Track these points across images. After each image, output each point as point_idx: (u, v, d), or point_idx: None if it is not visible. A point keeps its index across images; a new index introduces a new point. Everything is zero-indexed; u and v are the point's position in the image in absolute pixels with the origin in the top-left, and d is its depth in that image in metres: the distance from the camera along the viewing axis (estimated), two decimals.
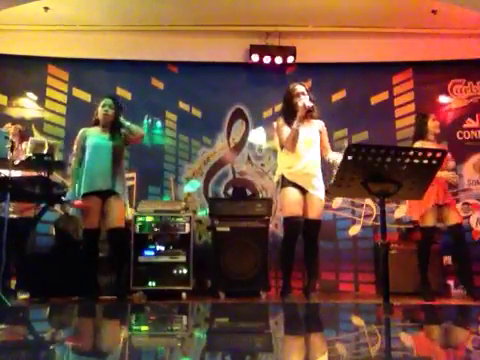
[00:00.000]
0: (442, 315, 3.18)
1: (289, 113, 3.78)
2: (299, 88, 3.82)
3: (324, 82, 5.49)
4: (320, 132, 3.86)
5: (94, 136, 3.92)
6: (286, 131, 3.73)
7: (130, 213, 4.31)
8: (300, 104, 3.69)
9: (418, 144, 4.13)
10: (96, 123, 4.00)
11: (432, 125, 4.25)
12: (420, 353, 1.83)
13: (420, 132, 4.29)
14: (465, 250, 4.16)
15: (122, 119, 3.96)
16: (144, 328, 2.54)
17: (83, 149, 3.89)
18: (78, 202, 3.75)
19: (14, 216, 3.97)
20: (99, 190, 3.79)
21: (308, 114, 3.76)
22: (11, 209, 3.92)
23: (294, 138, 3.67)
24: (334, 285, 5.19)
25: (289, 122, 3.74)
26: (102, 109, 3.95)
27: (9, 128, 4.18)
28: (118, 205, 3.84)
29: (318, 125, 3.87)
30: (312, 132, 3.79)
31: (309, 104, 3.69)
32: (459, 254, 4.22)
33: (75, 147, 3.97)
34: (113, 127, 3.94)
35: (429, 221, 4.14)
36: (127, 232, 4.17)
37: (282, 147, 3.81)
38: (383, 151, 2.36)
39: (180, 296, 4.22)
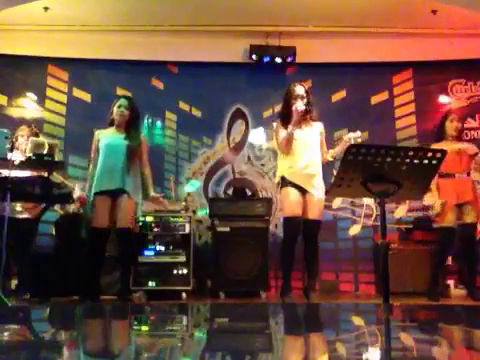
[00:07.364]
0: (442, 315, 3.19)
1: (286, 115, 3.79)
2: (298, 90, 3.81)
3: (324, 82, 5.48)
4: (321, 134, 3.87)
5: (108, 136, 3.95)
6: (282, 134, 3.74)
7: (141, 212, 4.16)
8: (293, 108, 3.69)
9: (435, 145, 4.04)
10: (111, 124, 4.02)
11: (449, 126, 4.22)
12: (420, 353, 1.83)
13: (439, 133, 4.28)
14: (474, 250, 4.14)
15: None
16: (144, 328, 2.54)
17: (98, 151, 3.93)
18: (81, 198, 3.85)
19: (22, 216, 3.94)
20: (108, 189, 3.78)
21: (306, 116, 3.77)
22: (19, 208, 3.92)
23: (288, 141, 3.68)
24: (334, 285, 5.18)
25: (285, 124, 3.75)
26: (118, 109, 3.95)
27: (23, 130, 4.15)
28: (127, 205, 3.79)
29: (318, 127, 3.88)
30: (312, 134, 3.80)
31: (301, 108, 3.67)
32: (467, 254, 4.17)
33: (92, 150, 4.00)
34: (128, 127, 3.96)
35: (448, 221, 4.09)
36: (133, 233, 4.00)
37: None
38: (383, 151, 2.35)
39: (180, 296, 4.22)
